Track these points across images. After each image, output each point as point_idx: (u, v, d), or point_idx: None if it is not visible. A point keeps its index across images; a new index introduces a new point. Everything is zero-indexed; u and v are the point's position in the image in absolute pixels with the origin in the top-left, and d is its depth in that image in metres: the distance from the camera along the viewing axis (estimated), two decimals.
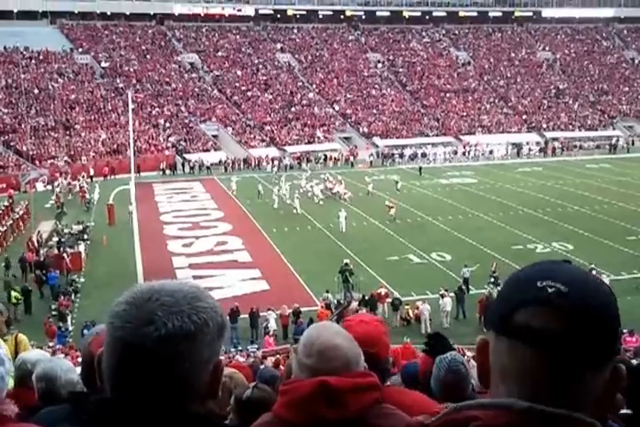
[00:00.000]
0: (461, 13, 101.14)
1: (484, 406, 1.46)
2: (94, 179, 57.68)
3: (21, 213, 43.26)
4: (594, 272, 28.52)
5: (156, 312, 1.57)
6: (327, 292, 28.72)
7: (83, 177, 56.02)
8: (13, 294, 28.50)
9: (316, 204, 47.51)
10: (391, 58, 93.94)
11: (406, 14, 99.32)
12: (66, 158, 61.51)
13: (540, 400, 1.42)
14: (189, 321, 1.57)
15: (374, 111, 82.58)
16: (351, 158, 69.17)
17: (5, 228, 39.66)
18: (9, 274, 31.76)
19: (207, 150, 69.68)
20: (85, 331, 25.50)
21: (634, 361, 9.65)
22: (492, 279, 29.22)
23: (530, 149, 74.72)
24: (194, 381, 1.60)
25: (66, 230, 39.24)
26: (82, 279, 32.78)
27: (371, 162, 68.41)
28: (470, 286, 29.90)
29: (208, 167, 64.51)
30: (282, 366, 13.89)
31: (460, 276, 30.53)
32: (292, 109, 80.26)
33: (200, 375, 1.61)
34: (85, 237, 38.97)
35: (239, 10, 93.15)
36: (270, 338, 25.90)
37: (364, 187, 52.41)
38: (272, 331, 26.55)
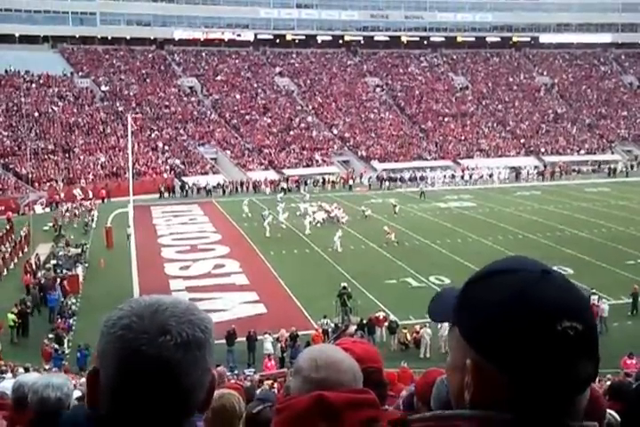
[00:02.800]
0: (459, 38, 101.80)
1: (469, 417, 1.46)
2: (93, 201, 57.63)
3: (24, 234, 43.27)
4: (594, 297, 28.45)
5: (168, 322, 1.58)
6: (324, 317, 28.59)
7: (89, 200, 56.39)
8: (10, 316, 28.33)
9: (312, 227, 47.34)
10: (389, 82, 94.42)
11: (405, 39, 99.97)
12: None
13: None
14: (199, 330, 1.60)
15: (372, 135, 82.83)
16: (350, 181, 69.24)
17: (7, 250, 39.62)
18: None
19: (205, 173, 69.75)
20: (78, 354, 25.42)
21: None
22: None
23: (528, 173, 74.84)
24: (198, 393, 1.61)
25: (62, 253, 39.13)
26: (79, 302, 32.63)
27: (369, 185, 68.50)
28: None
29: (209, 190, 64.56)
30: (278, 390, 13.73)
31: None
32: (291, 133, 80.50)
33: (203, 387, 1.62)
34: (83, 259, 38.89)
35: (239, 35, 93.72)
36: (270, 361, 25.72)
37: (363, 210, 52.39)
38: (270, 354, 26.38)
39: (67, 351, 26.96)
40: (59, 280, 33.54)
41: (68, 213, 52.08)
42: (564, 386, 1.40)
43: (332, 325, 28.49)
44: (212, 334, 1.65)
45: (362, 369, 3.24)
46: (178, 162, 70.95)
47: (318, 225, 48.10)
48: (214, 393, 1.71)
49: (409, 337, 27.68)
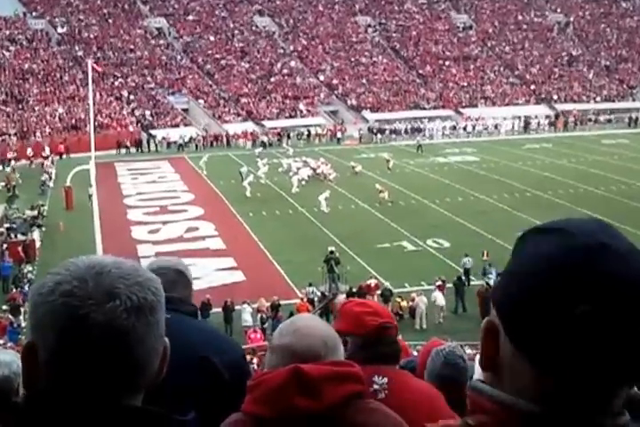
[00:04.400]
0: None
1: (494, 399, 1.38)
2: (50, 158, 57.32)
3: None
4: None
5: (116, 285, 1.55)
6: (310, 285, 28.79)
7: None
8: None
9: (300, 185, 47.33)
10: (383, 21, 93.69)
11: None
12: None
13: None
14: (150, 292, 1.58)
15: (364, 81, 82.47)
16: (338, 134, 69.10)
17: None
18: None
19: (176, 126, 69.52)
20: None
21: None
22: (483, 270, 29.48)
23: (539, 124, 74.83)
24: (153, 362, 1.60)
25: (16, 215, 39.00)
26: (35, 270, 32.61)
27: (360, 138, 68.38)
28: (472, 277, 30.06)
29: (180, 145, 64.48)
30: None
31: (460, 266, 30.63)
32: (272, 80, 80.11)
33: (158, 355, 1.62)
34: (40, 222, 38.80)
35: None
36: (256, 334, 25.77)
37: (352, 166, 52.37)
38: (249, 326, 26.52)
39: (23, 324, 26.99)
40: (5, 246, 33.45)
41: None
42: (611, 379, 1.32)
43: (319, 293, 28.70)
44: (163, 295, 1.62)
45: (379, 324, 3.37)
46: (146, 113, 70.62)
47: (303, 183, 48.09)
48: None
49: (404, 306, 27.89)
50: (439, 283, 28.21)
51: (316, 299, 28.50)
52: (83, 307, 1.51)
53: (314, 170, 51.16)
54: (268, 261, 33.42)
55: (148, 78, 76.19)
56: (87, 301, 1.52)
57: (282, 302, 27.40)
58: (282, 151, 60.25)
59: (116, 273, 1.57)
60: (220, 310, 26.77)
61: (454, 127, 72.73)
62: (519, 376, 1.37)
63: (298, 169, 50.55)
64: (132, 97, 72.71)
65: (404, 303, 28.02)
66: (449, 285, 28.62)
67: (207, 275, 31.06)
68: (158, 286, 1.61)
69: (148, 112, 70.98)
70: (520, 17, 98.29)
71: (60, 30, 79.73)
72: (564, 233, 1.35)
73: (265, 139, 66.89)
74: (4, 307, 27.74)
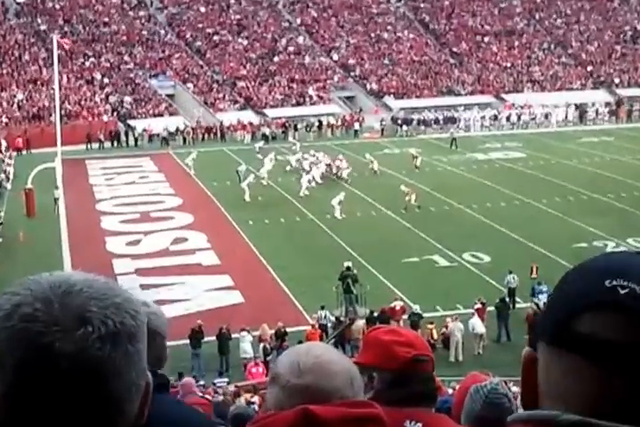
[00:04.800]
0: None
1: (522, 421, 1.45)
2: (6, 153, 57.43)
3: None
4: None
5: (87, 308, 1.52)
6: (322, 308, 28.68)
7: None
8: None
9: (311, 187, 47.34)
10: None
11: None
12: None
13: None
14: (129, 316, 1.55)
15: (386, 62, 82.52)
16: (355, 125, 69.12)
17: None
18: None
19: (160, 115, 69.60)
20: None
21: None
22: (532, 289, 29.35)
23: (597, 113, 74.66)
24: (132, 401, 1.56)
25: None
26: None
27: (382, 130, 68.39)
28: (517, 299, 30.01)
29: (164, 138, 64.46)
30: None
31: (503, 285, 30.64)
32: (275, 59, 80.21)
33: (138, 392, 1.58)
34: None
35: None
36: (258, 367, 25.74)
37: (370, 161, 52.37)
38: (249, 359, 26.51)
39: None
40: None
41: None
42: None
43: (333, 318, 28.60)
44: (145, 321, 1.61)
45: (413, 357, 3.33)
46: (123, 100, 70.70)
47: (313, 184, 48.02)
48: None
49: (435, 334, 27.82)
50: (478, 306, 28.12)
51: (329, 325, 28.45)
52: (47, 334, 1.48)
53: (329, 166, 51.17)
54: (272, 279, 33.40)
55: (126, 57, 76.34)
56: (52, 327, 1.49)
57: (288, 330, 27.34)
58: (287, 146, 60.17)
59: (88, 293, 1.55)
60: (213, 338, 26.72)
61: (495, 117, 72.61)
62: (571, 393, 1.42)
63: (312, 166, 50.45)
64: (106, 80, 72.84)
65: (435, 331, 27.94)
66: (490, 308, 28.54)
67: (198, 296, 31.10)
68: (138, 309, 1.59)
69: (126, 98, 71.07)
70: None
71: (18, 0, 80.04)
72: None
73: (267, 131, 66.92)
74: None
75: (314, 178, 48.64)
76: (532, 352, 1.51)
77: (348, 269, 30.27)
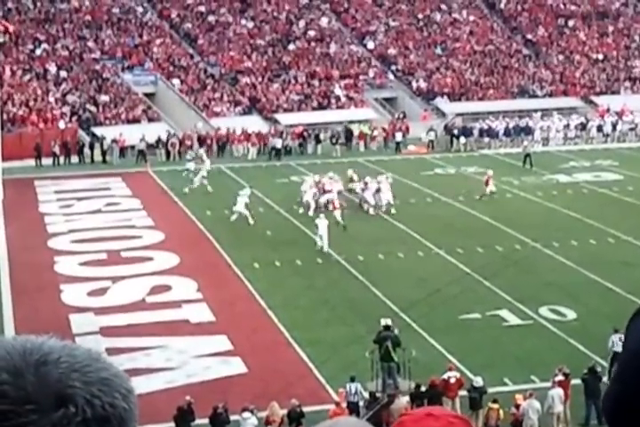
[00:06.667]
0: None
1: None
2: None
3: None
4: None
5: (68, 382, 1.57)
6: (352, 380, 28.56)
7: None
8: None
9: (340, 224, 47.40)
10: None
11: None
12: None
13: None
14: (119, 396, 1.60)
15: (438, 52, 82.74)
16: (397, 136, 69.21)
17: None
18: None
19: (135, 121, 69.80)
20: None
21: None
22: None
23: None
24: None
25: None
26: None
27: (430, 143, 68.42)
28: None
29: (141, 151, 64.59)
30: None
31: (594, 350, 30.56)
32: (290, 48, 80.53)
33: None
34: None
35: None
36: None
37: (421, 188, 52.44)
38: None
39: None
40: None
41: None
42: None
43: (366, 394, 28.51)
44: (135, 402, 1.66)
45: None
46: (88, 100, 70.91)
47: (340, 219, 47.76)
48: None
49: (502, 416, 27.74)
50: (559, 378, 27.93)
51: (361, 403, 28.29)
52: (18, 415, 1.53)
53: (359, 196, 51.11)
54: (285, 341, 33.36)
55: (90, 44, 76.79)
56: (25, 405, 1.53)
57: (305, 410, 27.19)
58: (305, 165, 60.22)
59: (68, 363, 1.60)
60: (206, 421, 26.61)
61: (583, 126, 72.54)
62: None
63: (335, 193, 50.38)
64: (63, 74, 73.24)
65: (502, 411, 27.85)
66: (575, 380, 28.47)
67: (186, 363, 31.13)
68: (130, 387, 1.66)
69: (88, 99, 71.26)
70: None
71: None
72: None
73: (279, 143, 66.96)
74: None
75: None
76: None
77: (387, 328, 30.11)
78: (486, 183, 52.59)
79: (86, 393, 1.54)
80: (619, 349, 29.82)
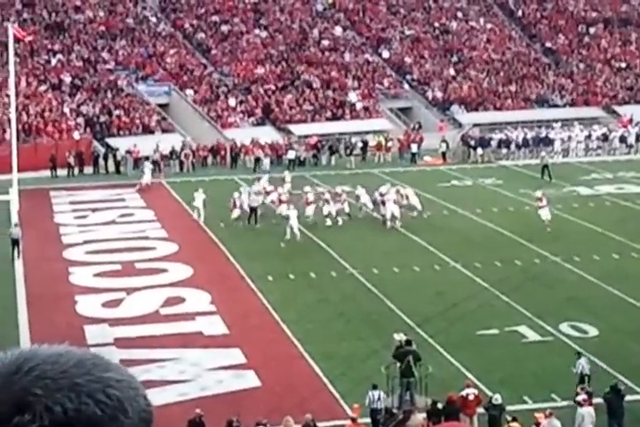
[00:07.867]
0: None
1: None
2: None
3: None
4: None
5: (30, 390, 1.57)
6: (374, 388, 28.21)
7: None
8: None
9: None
10: None
11: None
12: None
13: None
14: (92, 401, 1.58)
15: (454, 59, 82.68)
16: (412, 147, 69.19)
17: None
18: None
19: (150, 132, 69.90)
20: None
21: None
22: None
23: None
24: None
25: None
26: None
27: (443, 154, 68.52)
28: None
29: (155, 162, 64.68)
30: None
31: (617, 368, 30.47)
32: (304, 55, 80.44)
33: None
34: None
35: None
36: None
37: (437, 200, 52.43)
38: None
39: None
40: None
41: None
42: None
43: (383, 409, 28.43)
44: (129, 407, 1.64)
45: None
46: (102, 110, 70.97)
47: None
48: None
49: None
50: (582, 397, 27.71)
51: (379, 418, 28.19)
52: None
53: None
54: (298, 354, 33.26)
55: (104, 54, 76.88)
56: None
57: (320, 425, 27.10)
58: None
59: (41, 371, 1.59)
60: None
61: (605, 137, 72.35)
62: None
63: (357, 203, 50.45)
64: (77, 84, 73.26)
65: None
66: (597, 399, 28.31)
67: (199, 376, 31.08)
68: (120, 395, 1.62)
69: (102, 110, 71.31)
70: None
71: None
72: None
73: (292, 154, 67.10)
74: None
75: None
76: None
77: (409, 343, 30.07)
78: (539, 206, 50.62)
79: (49, 400, 1.54)
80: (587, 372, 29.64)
